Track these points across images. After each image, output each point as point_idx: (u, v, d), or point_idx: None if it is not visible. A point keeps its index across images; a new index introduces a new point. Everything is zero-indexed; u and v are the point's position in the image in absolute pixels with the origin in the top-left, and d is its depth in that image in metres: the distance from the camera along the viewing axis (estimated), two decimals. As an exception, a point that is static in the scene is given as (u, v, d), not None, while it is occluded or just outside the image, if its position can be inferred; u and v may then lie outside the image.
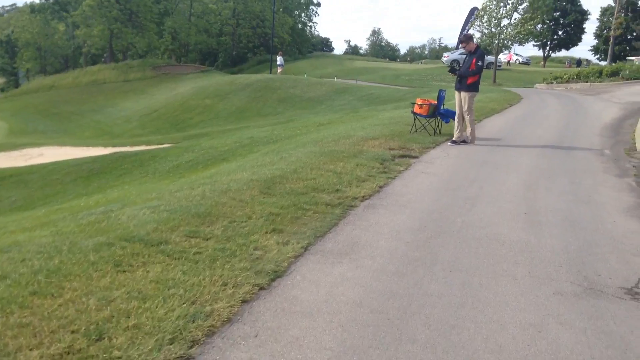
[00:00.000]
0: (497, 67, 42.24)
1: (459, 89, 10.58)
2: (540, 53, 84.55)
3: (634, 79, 29.07)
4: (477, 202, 6.30)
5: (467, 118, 10.50)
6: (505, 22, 39.07)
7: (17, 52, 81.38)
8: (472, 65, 10.27)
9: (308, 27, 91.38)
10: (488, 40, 41.16)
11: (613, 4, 73.73)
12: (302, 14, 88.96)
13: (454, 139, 10.62)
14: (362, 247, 4.59)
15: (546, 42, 78.53)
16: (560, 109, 17.94)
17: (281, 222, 4.97)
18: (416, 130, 11.41)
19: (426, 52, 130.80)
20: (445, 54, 50.58)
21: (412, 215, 5.67)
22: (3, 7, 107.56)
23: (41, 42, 74.78)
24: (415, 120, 11.50)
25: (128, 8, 54.51)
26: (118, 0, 53.39)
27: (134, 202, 5.94)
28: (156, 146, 26.12)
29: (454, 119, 11.02)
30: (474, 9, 43.46)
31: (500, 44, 39.62)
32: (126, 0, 54.18)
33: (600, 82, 29.73)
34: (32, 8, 61.82)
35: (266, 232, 4.64)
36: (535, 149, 10.42)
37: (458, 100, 10.62)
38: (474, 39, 11.01)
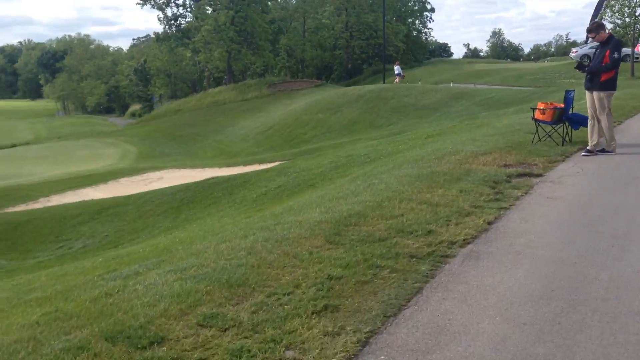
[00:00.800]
0: (635, 59, 37.80)
1: (590, 89, 8.60)
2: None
3: None
4: (628, 243, 4.52)
5: (603, 122, 8.49)
6: (640, 10, 34.90)
7: (150, 80, 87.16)
8: (606, 58, 8.26)
9: (423, 34, 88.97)
10: (622, 32, 37.09)
11: None
12: (417, 21, 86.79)
13: (588, 148, 8.63)
14: (452, 336, 3.07)
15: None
16: None
17: (340, 292, 3.57)
18: (539, 140, 9.51)
19: (552, 49, 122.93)
20: (574, 49, 46.37)
21: (533, 269, 4.05)
22: (139, 37, 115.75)
23: (170, 68, 79.18)
24: (537, 128, 9.60)
25: (244, 29, 55.66)
26: (234, 23, 54.65)
27: (172, 258, 4.82)
28: (268, 164, 25.70)
29: (584, 125, 9.05)
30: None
31: (636, 34, 35.41)
32: (241, 22, 55.36)
33: None
34: (157, 37, 65.12)
35: (313, 313, 3.26)
36: (699, 156, 8.20)
37: (590, 101, 8.63)
38: (606, 29, 8.95)
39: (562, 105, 9.48)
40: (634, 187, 6.46)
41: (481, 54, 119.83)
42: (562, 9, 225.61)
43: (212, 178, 15.44)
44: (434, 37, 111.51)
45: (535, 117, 9.61)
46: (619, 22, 35.49)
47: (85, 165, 33.24)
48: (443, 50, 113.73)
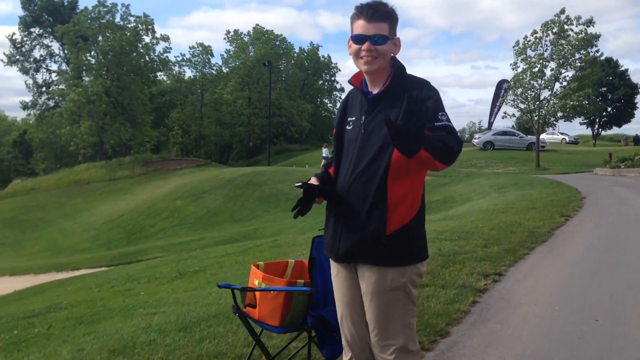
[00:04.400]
0: (541, 148, 33.78)
1: (354, 256, 2.42)
2: (588, 131, 75.96)
3: None
4: None
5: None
6: (545, 93, 31.02)
7: (32, 153, 77.94)
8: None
9: (332, 114, 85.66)
10: (526, 118, 33.34)
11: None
12: (326, 100, 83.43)
13: None
14: None
15: (594, 119, 70.10)
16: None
17: None
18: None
19: (466, 135, 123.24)
20: (477, 136, 42.48)
21: None
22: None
23: (56, 141, 70.62)
24: (255, 341, 3.39)
25: (119, 101, 48.89)
26: (109, 93, 47.93)
27: None
28: (68, 273, 19.27)
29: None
30: (502, 82, 36.27)
31: (541, 121, 31.42)
32: (118, 93, 48.66)
33: (690, 161, 21.13)
34: (24, 106, 57.14)
35: None
36: None
37: (348, 298, 2.45)
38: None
39: (307, 280, 3.30)
40: None
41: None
42: (479, 98, 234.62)
43: None
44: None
45: (246, 312, 3.38)
46: (522, 106, 31.48)
47: None
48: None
